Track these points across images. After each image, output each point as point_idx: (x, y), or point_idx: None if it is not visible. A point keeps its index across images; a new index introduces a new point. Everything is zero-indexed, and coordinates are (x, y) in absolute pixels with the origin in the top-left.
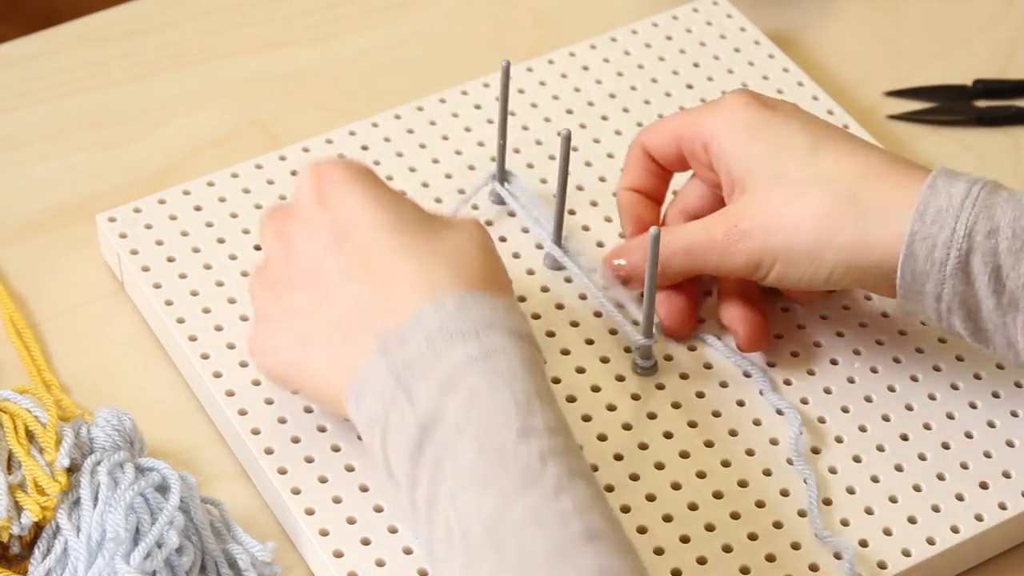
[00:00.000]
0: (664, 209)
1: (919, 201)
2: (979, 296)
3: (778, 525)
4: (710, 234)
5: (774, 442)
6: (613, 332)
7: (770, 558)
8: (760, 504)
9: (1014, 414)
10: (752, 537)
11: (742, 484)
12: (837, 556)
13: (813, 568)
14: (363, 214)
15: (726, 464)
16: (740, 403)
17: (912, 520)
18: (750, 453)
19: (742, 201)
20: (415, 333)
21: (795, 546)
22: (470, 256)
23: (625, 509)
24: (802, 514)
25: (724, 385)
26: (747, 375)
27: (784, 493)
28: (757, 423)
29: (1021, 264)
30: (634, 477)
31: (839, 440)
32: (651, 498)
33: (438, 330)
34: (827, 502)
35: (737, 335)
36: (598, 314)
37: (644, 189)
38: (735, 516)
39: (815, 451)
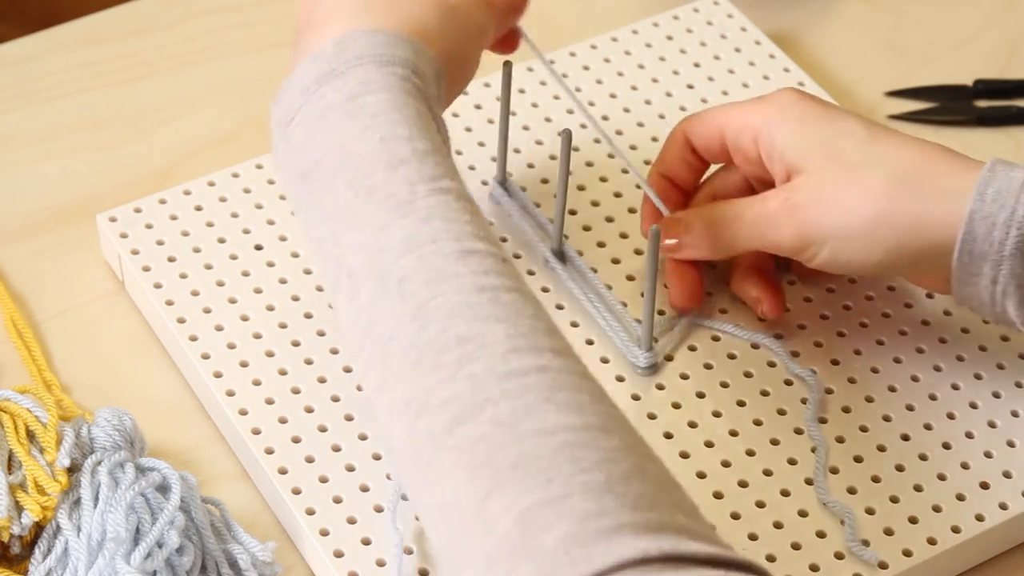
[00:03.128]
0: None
1: (980, 181)
2: None
3: (778, 525)
4: (765, 204)
5: (775, 442)
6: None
7: (770, 558)
8: (760, 504)
9: (1015, 414)
10: (752, 538)
11: (742, 484)
12: (839, 556)
13: (814, 569)
14: None
15: (726, 464)
16: (740, 403)
17: (913, 520)
18: (750, 453)
19: (798, 180)
20: (294, 83)
21: (795, 546)
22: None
23: None
24: (803, 514)
25: (725, 385)
26: (755, 346)
27: (785, 493)
28: (758, 423)
29: None
30: None
31: (840, 440)
32: None
33: (314, 78)
34: (827, 501)
35: (762, 303)
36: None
37: (676, 177)
38: (735, 516)
39: (814, 451)
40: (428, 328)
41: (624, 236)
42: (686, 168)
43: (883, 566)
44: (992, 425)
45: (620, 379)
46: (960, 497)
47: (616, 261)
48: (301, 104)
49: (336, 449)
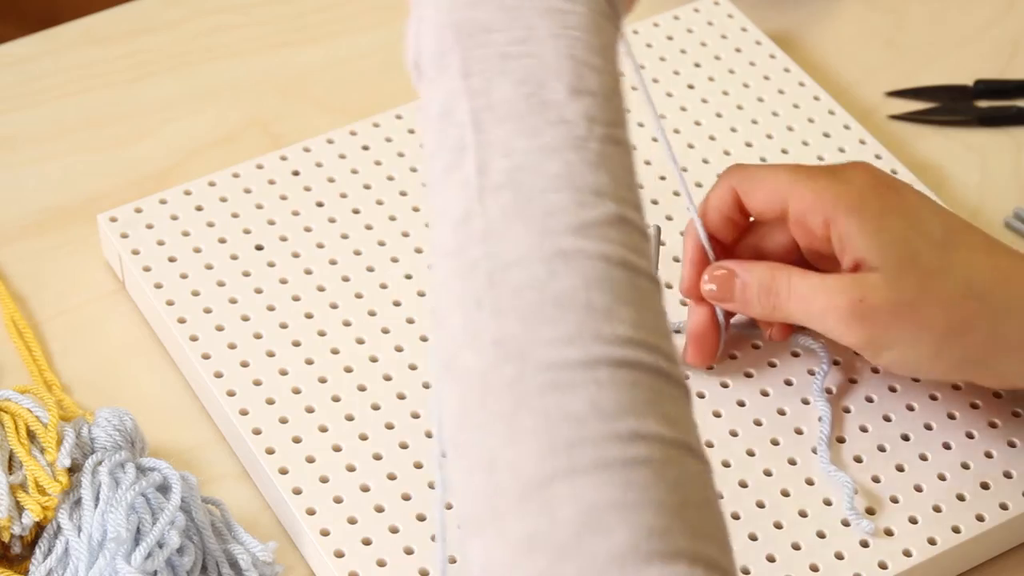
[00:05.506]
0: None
1: None
2: None
3: (778, 525)
4: (832, 300)
5: (775, 442)
6: None
7: (771, 558)
8: (760, 504)
9: (1015, 414)
10: (753, 537)
11: (742, 485)
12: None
13: None
14: None
15: (726, 464)
16: (741, 403)
17: (913, 520)
18: (750, 454)
19: (870, 279)
20: None
21: (795, 547)
22: None
23: None
24: (803, 514)
25: (725, 386)
26: (755, 347)
27: (785, 494)
28: (758, 423)
29: None
30: None
31: (841, 440)
32: None
33: None
34: (828, 502)
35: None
36: None
37: (716, 233)
38: (735, 516)
39: (815, 451)
40: (559, 278)
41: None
42: (731, 226)
43: (883, 566)
44: (993, 425)
45: None
46: (960, 497)
47: None
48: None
49: (337, 449)
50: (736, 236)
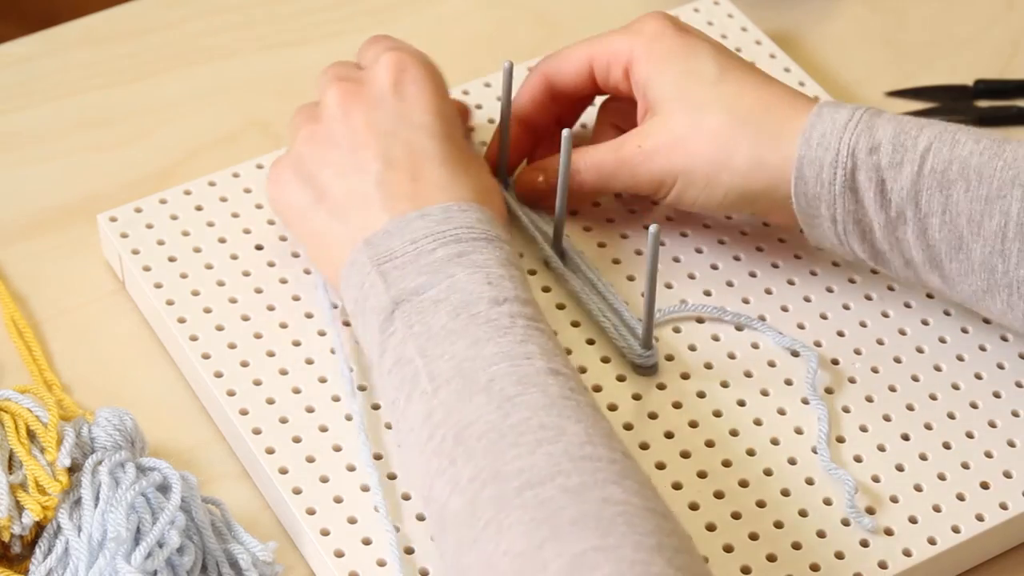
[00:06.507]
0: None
1: (806, 127)
2: (869, 214)
3: (779, 525)
4: (618, 153)
5: (775, 442)
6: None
7: (771, 558)
8: (761, 504)
9: (1015, 414)
10: (753, 537)
11: (743, 484)
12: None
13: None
14: (426, 117)
15: (727, 464)
16: (741, 403)
17: (913, 520)
18: (751, 453)
19: (650, 123)
20: (402, 233)
21: (796, 546)
22: (482, 183)
23: None
24: (803, 513)
25: (725, 385)
26: (755, 346)
27: (785, 493)
28: (758, 423)
29: (902, 176)
30: None
31: (840, 440)
32: None
33: (423, 234)
34: (828, 502)
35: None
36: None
37: (534, 122)
38: (736, 516)
39: (815, 451)
40: (511, 416)
41: (624, 236)
42: (543, 112)
43: (883, 566)
44: (992, 425)
45: (620, 379)
46: (960, 497)
47: (616, 261)
48: (408, 250)
49: (337, 449)
50: (553, 123)
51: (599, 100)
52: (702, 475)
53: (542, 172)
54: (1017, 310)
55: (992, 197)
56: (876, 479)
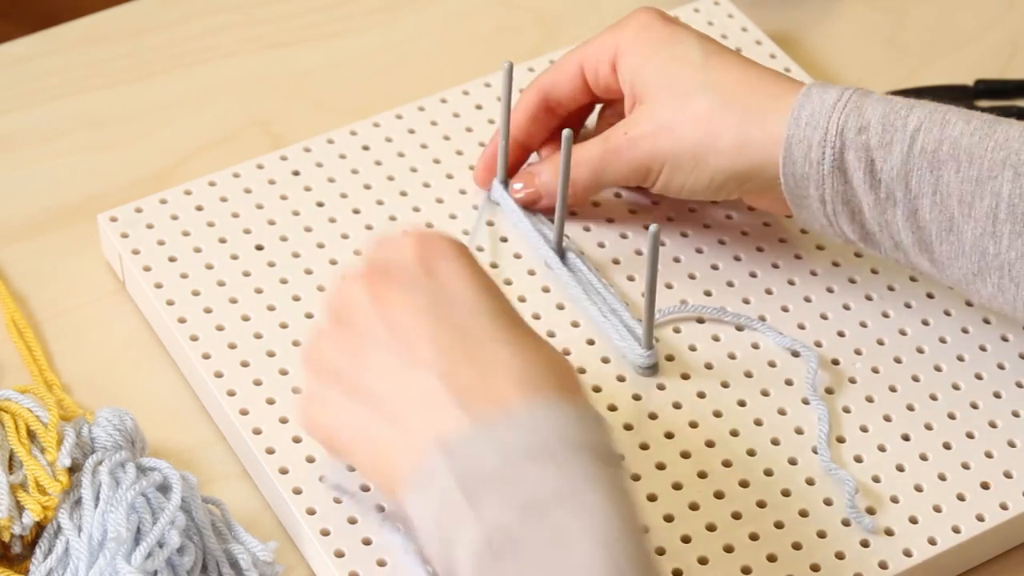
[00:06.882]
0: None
1: (794, 106)
2: (859, 194)
3: (779, 525)
4: (606, 144)
5: (775, 442)
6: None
7: (771, 558)
8: (761, 504)
9: (1015, 414)
10: (753, 537)
11: (743, 484)
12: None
13: (814, 569)
14: (468, 292)
15: (727, 464)
16: (741, 403)
17: (913, 520)
18: (751, 453)
19: (637, 111)
20: (489, 440)
21: (796, 546)
22: (552, 358)
23: None
24: (803, 514)
25: (725, 385)
26: (755, 346)
27: (785, 493)
28: (759, 423)
29: (891, 155)
30: (635, 477)
31: (841, 440)
32: (652, 498)
33: (514, 444)
34: (828, 502)
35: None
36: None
37: (533, 139)
38: (736, 516)
39: (815, 451)
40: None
41: (624, 236)
42: (538, 126)
43: (883, 566)
44: (992, 425)
45: (620, 379)
46: (960, 497)
47: (616, 261)
48: (499, 470)
49: None
50: (546, 136)
51: (598, 107)
52: (702, 475)
53: (538, 175)
54: (1007, 293)
55: (983, 178)
56: (876, 479)
